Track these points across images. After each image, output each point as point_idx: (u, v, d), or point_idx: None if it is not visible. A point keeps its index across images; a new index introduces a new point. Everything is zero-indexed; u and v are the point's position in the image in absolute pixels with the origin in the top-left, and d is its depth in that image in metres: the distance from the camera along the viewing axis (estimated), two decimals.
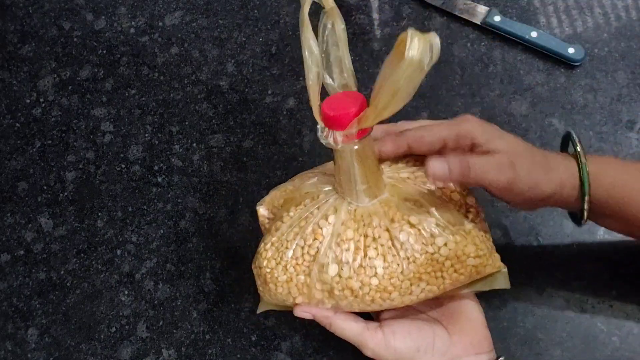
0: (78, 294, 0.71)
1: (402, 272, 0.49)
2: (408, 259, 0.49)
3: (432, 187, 0.52)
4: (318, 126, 0.48)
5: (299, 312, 0.54)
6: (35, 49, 0.83)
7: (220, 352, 0.66)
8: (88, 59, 0.81)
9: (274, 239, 0.53)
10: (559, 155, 0.54)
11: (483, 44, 0.74)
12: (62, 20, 0.84)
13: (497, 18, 0.73)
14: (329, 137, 0.47)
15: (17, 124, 0.79)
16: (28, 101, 0.80)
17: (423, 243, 0.49)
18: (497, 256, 0.53)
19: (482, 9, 0.75)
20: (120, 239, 0.72)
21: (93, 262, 0.72)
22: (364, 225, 0.50)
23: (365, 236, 0.49)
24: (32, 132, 0.78)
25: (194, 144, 0.75)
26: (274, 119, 0.75)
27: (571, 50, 0.71)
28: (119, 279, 0.70)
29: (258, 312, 0.58)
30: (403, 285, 0.49)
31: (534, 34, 0.72)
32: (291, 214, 0.53)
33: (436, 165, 0.48)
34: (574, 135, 0.54)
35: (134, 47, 0.81)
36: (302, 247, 0.51)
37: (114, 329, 0.69)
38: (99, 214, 0.74)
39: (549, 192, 0.51)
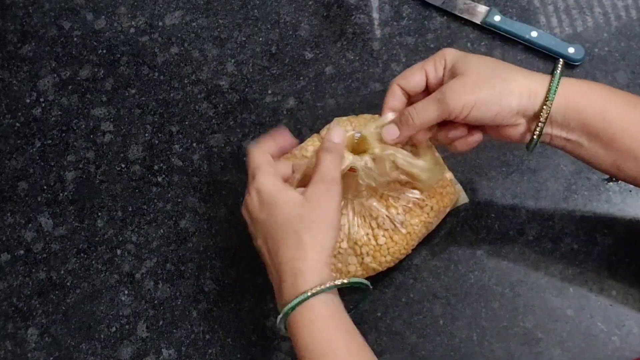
0: (78, 294, 0.71)
1: (407, 243, 0.62)
2: (410, 234, 0.62)
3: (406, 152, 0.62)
4: None
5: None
6: (35, 48, 0.83)
7: (220, 352, 0.66)
8: (88, 58, 0.81)
9: None
10: (533, 72, 0.55)
11: (483, 43, 0.74)
12: (62, 20, 0.84)
13: (497, 18, 0.73)
14: None
15: (17, 124, 0.79)
16: (28, 101, 0.80)
17: (417, 215, 0.62)
18: (456, 187, 0.65)
19: (482, 9, 0.75)
20: (120, 239, 0.72)
21: (93, 262, 0.72)
22: (370, 217, 0.61)
23: (372, 228, 0.61)
24: (32, 132, 0.78)
25: (194, 144, 0.75)
26: (274, 119, 0.75)
27: (571, 50, 0.71)
28: (119, 279, 0.70)
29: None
30: (407, 245, 0.62)
31: (534, 34, 0.72)
32: None
33: (388, 131, 0.57)
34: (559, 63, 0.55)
35: (134, 47, 0.81)
36: None
37: (114, 329, 0.69)
38: (99, 214, 0.74)
39: (510, 92, 0.53)
